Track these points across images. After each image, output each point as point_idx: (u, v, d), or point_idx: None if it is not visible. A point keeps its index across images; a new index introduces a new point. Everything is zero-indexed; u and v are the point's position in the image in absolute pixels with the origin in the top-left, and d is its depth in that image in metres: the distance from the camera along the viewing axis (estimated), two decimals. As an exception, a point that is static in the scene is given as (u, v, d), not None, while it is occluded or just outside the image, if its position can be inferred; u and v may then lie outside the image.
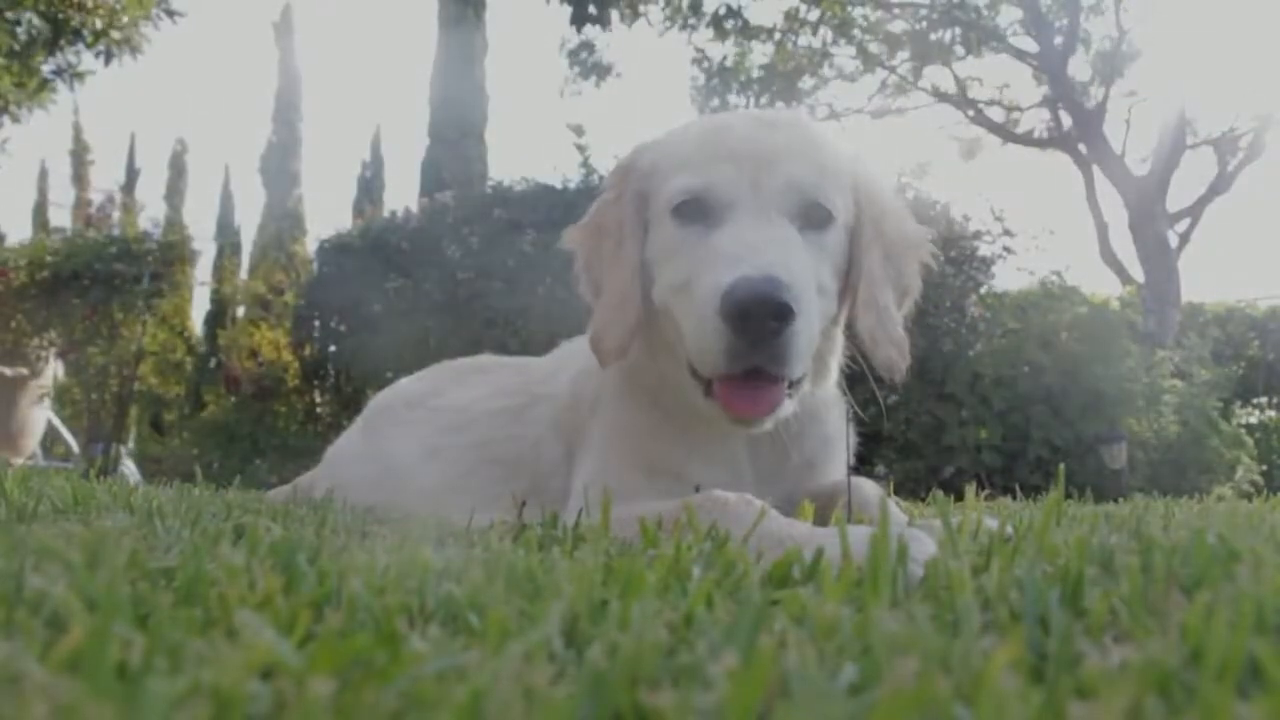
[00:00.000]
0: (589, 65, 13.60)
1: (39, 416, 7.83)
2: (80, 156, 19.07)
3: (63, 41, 7.30)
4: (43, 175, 19.49)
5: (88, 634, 0.52)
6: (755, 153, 1.56)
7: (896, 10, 13.08)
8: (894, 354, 1.63)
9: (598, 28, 11.05)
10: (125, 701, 0.46)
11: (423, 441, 2.25)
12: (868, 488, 1.65)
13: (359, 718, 0.48)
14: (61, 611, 0.67)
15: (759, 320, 1.35)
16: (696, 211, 1.56)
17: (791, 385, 1.49)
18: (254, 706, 0.49)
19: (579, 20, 10.63)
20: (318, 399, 7.19)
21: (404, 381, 2.62)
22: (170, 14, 7.53)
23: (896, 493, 1.82)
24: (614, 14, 10.99)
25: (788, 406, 1.50)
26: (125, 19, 7.29)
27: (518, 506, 1.62)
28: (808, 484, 1.72)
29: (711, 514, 1.26)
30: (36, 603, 0.69)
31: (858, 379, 1.82)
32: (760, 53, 13.43)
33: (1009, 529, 1.18)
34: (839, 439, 1.77)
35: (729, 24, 12.50)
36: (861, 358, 1.71)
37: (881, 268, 1.67)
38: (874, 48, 13.37)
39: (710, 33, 12.78)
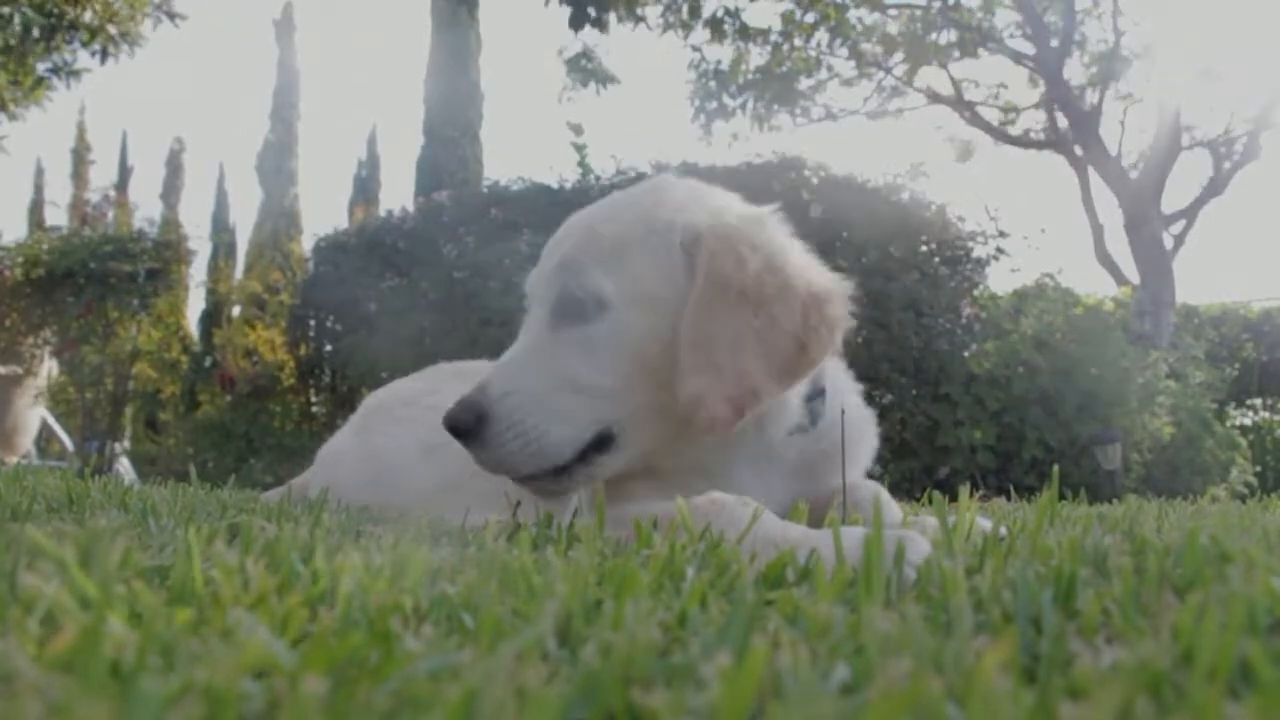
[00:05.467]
0: (588, 72, 13.62)
1: (34, 415, 7.82)
2: (81, 155, 19.04)
3: (58, 39, 7.28)
4: (39, 173, 19.47)
5: (81, 633, 0.52)
6: (551, 246, 1.61)
7: (893, 12, 13.10)
8: (722, 410, 1.44)
9: (596, 30, 11.02)
10: (118, 700, 0.46)
11: (418, 440, 2.25)
12: (863, 488, 1.65)
13: (352, 717, 0.48)
14: (55, 610, 0.66)
15: (463, 441, 1.48)
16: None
17: (588, 457, 1.51)
18: (247, 706, 0.49)
19: (578, 22, 10.62)
20: (313, 398, 7.17)
21: (399, 382, 2.61)
22: (171, 16, 7.51)
23: (892, 493, 1.81)
24: (612, 16, 10.97)
25: (589, 473, 1.52)
26: (122, 13, 7.27)
27: (512, 506, 1.62)
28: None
29: (707, 515, 1.25)
30: (30, 601, 0.69)
31: (858, 378, 1.83)
32: (757, 54, 13.45)
33: (1003, 530, 1.18)
34: (852, 449, 1.77)
35: (726, 25, 12.51)
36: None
37: (737, 326, 1.47)
38: (869, 50, 13.38)
39: (707, 34, 12.79)
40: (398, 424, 2.37)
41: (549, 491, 1.53)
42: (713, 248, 1.49)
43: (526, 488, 1.54)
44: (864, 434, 1.80)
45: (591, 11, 10.45)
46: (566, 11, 10.45)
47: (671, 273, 1.51)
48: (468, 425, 1.47)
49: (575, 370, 1.50)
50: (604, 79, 13.84)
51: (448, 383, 2.40)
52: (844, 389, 1.79)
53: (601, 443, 1.51)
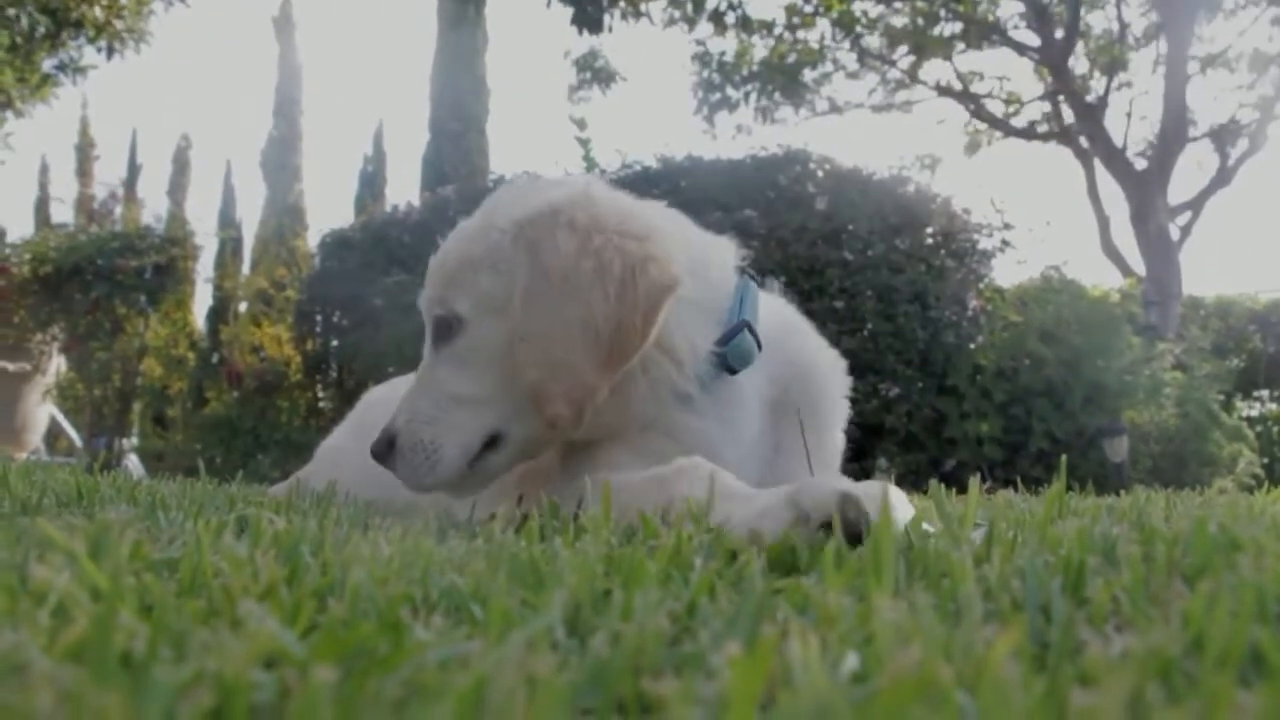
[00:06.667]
0: (595, 71, 13.61)
1: (42, 412, 7.84)
2: (85, 151, 19.03)
3: (64, 36, 7.29)
4: (44, 170, 19.46)
5: (92, 624, 0.52)
6: (428, 276, 1.75)
7: (898, 4, 13.05)
8: (562, 410, 1.50)
9: (594, 34, 11.00)
10: (130, 690, 0.46)
11: None
12: (869, 485, 1.65)
13: (362, 706, 0.48)
14: (66, 602, 0.67)
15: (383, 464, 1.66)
16: None
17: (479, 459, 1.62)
18: (257, 695, 0.49)
19: (580, 22, 10.60)
20: (320, 394, 7.19)
21: (395, 379, 2.63)
22: None
23: (898, 485, 1.80)
24: (616, 13, 10.94)
25: (481, 476, 1.65)
26: (128, 10, 7.28)
27: (516, 498, 1.63)
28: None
29: (676, 483, 1.29)
30: (41, 593, 0.69)
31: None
32: (762, 47, 13.42)
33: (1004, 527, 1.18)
34: (817, 394, 1.78)
35: (728, 17, 12.49)
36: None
37: (563, 315, 1.50)
38: (874, 42, 13.35)
39: (711, 28, 12.78)
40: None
41: (456, 494, 1.67)
42: (531, 237, 1.55)
43: (437, 491, 1.66)
44: (829, 378, 1.81)
45: (591, 10, 10.42)
46: (569, 11, 10.44)
47: (510, 275, 1.57)
48: (383, 450, 1.64)
49: (453, 386, 1.63)
50: (609, 78, 13.85)
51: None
52: (787, 327, 1.79)
53: (492, 442, 1.61)
